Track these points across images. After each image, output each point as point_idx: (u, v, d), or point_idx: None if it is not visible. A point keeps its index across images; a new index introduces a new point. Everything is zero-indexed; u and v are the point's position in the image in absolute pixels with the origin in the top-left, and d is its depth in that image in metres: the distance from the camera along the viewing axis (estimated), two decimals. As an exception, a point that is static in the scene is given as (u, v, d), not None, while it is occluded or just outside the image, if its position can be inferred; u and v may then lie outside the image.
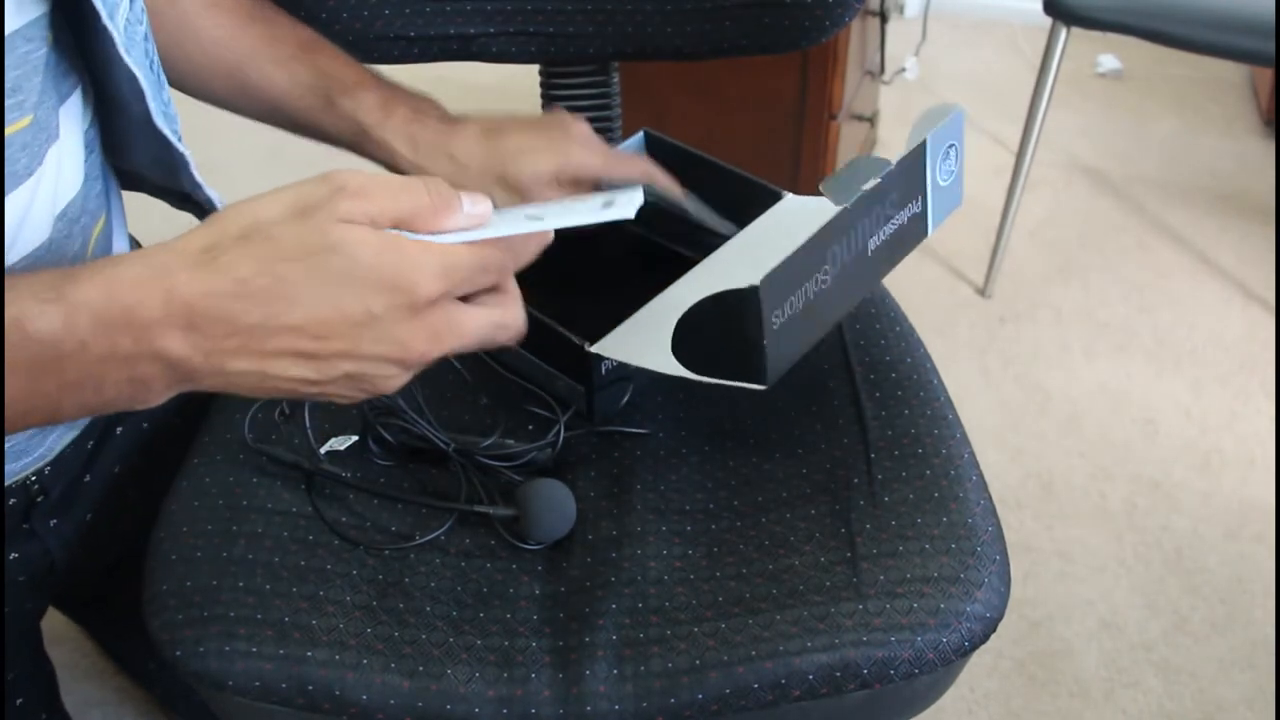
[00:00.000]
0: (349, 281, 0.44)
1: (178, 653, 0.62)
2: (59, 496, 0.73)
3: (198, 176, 0.70)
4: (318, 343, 0.45)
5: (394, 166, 0.75)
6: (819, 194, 0.72)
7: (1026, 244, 1.83)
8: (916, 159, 0.63)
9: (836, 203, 0.59)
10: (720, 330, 0.57)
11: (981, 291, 1.73)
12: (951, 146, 0.65)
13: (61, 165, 0.59)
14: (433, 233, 0.47)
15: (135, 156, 0.67)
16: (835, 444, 0.73)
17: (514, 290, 0.51)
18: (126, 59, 0.58)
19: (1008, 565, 0.67)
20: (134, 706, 1.19)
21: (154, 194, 0.71)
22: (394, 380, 0.48)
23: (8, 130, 0.52)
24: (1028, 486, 1.42)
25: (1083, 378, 1.58)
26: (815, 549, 0.67)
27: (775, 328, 0.56)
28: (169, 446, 0.80)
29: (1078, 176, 1.99)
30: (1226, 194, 1.94)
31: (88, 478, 0.75)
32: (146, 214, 0.80)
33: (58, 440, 0.70)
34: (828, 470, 0.72)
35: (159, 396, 0.46)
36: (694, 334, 0.58)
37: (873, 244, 0.62)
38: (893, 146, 2.05)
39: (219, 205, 0.73)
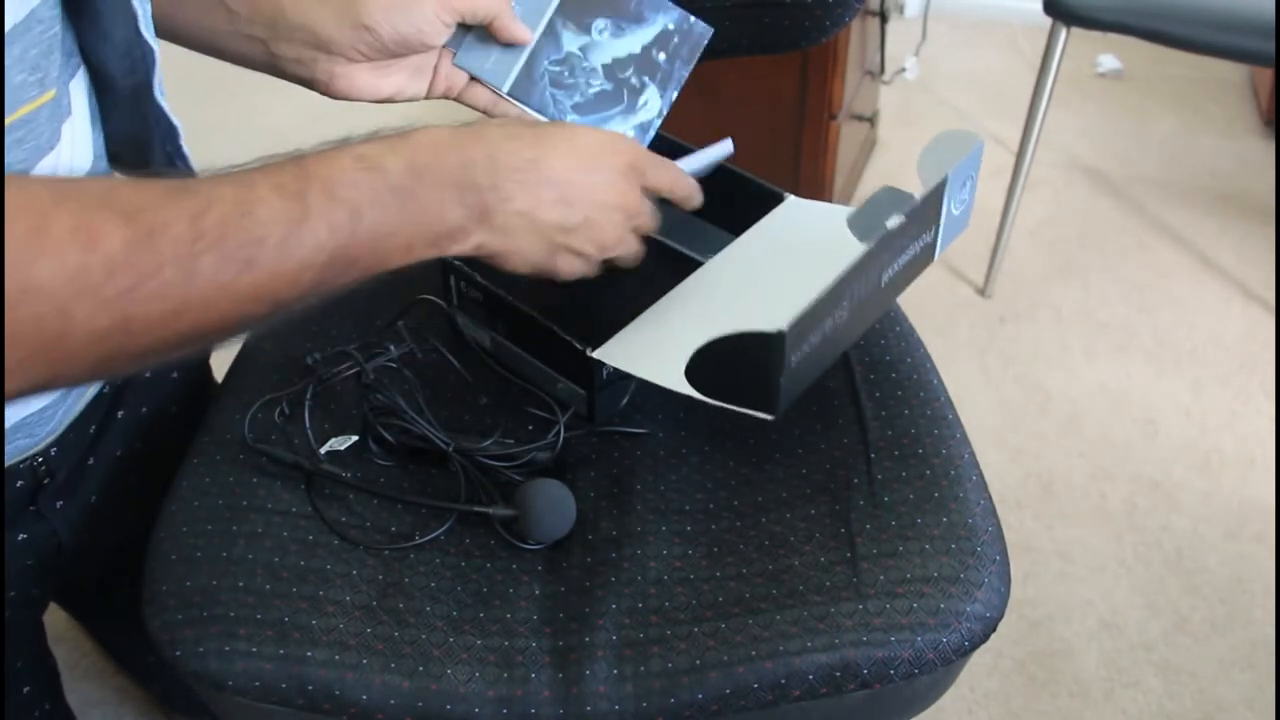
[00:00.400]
0: (585, 147, 0.60)
1: (177, 653, 0.62)
2: (64, 479, 0.73)
3: (185, 149, 0.71)
4: (569, 186, 0.58)
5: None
6: (819, 197, 0.72)
7: (1026, 244, 1.83)
8: (938, 195, 0.62)
9: (862, 240, 0.59)
10: (737, 364, 0.58)
11: (981, 291, 1.73)
12: (969, 178, 0.65)
13: (75, 140, 0.60)
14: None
15: (110, 130, 0.67)
16: (835, 444, 0.73)
17: (650, 209, 0.66)
18: (146, 34, 0.61)
19: (1008, 565, 0.67)
20: (134, 706, 1.19)
21: (121, 171, 0.72)
22: (614, 231, 0.61)
23: (32, 105, 0.54)
24: (1028, 486, 1.42)
25: (1083, 378, 1.58)
26: (815, 549, 0.67)
27: (793, 366, 0.56)
28: (167, 434, 0.81)
29: (1078, 176, 1.99)
30: (1226, 194, 1.94)
31: (91, 460, 0.76)
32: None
33: (65, 416, 0.71)
34: (828, 470, 0.72)
35: (468, 236, 0.56)
36: (708, 362, 0.59)
37: (886, 276, 0.62)
38: (893, 146, 2.05)
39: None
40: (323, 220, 0.50)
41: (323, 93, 0.71)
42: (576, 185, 0.59)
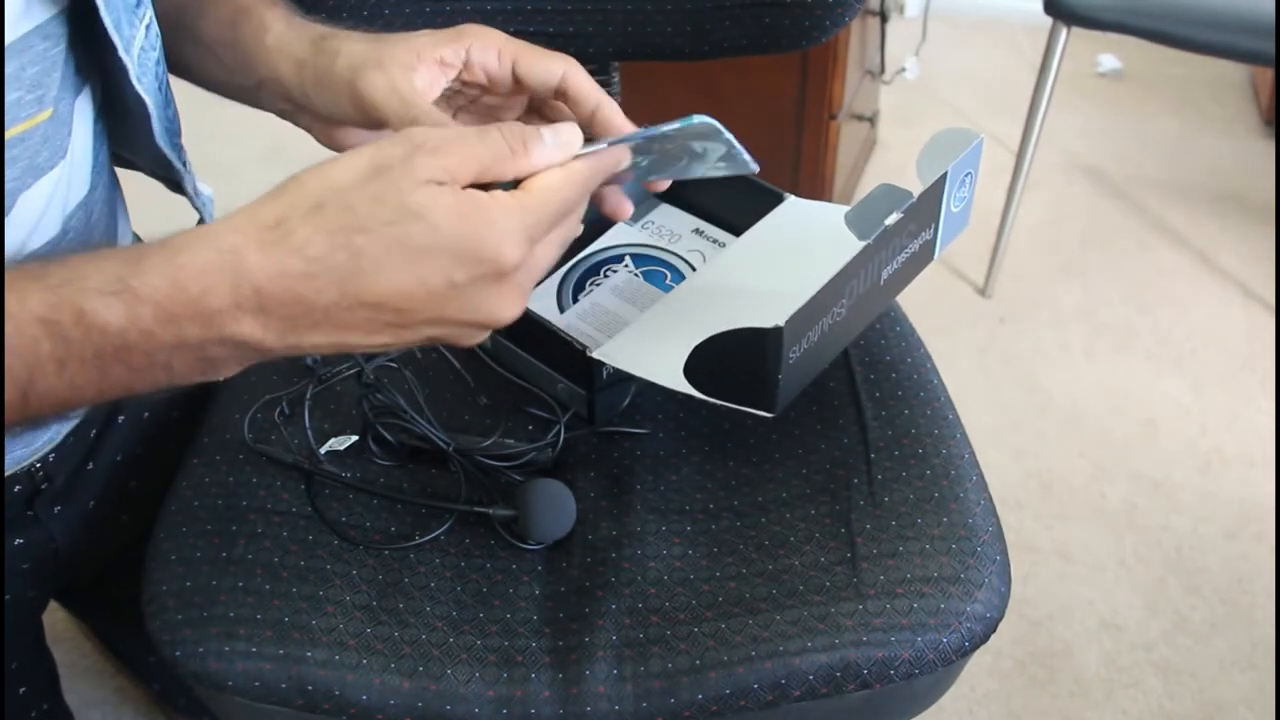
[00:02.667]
0: (430, 252, 0.42)
1: (177, 653, 0.62)
2: (63, 484, 0.73)
3: (198, 185, 0.71)
4: (399, 314, 0.43)
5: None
6: (819, 197, 0.72)
7: (1026, 244, 1.83)
8: (937, 191, 0.62)
9: (860, 237, 0.58)
10: (736, 361, 0.58)
11: (981, 291, 1.73)
12: (968, 175, 0.65)
13: (74, 158, 0.60)
14: (517, 176, 0.47)
15: (138, 153, 0.68)
16: (835, 444, 0.73)
17: (581, 207, 0.50)
18: (138, 86, 0.59)
19: (1008, 565, 0.67)
20: (134, 706, 1.19)
21: (150, 175, 0.72)
22: (479, 337, 0.47)
23: (27, 124, 0.53)
24: (1028, 486, 1.42)
25: (1083, 378, 1.58)
26: (815, 549, 0.67)
27: (791, 362, 0.56)
28: (168, 437, 0.81)
29: (1078, 176, 1.99)
30: (1226, 194, 1.93)
31: (90, 465, 0.76)
32: (147, 211, 0.80)
33: (61, 427, 0.71)
34: (828, 470, 0.72)
35: (232, 370, 0.45)
36: (707, 359, 0.59)
37: (886, 273, 0.62)
38: (893, 146, 2.05)
39: (212, 204, 0.74)
40: None
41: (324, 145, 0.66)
42: (409, 313, 0.44)
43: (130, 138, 0.65)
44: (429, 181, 0.42)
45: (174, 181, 0.71)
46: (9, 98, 0.51)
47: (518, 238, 0.44)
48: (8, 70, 0.51)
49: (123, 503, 0.79)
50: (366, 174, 0.43)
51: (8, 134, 0.52)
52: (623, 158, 0.51)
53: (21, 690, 0.79)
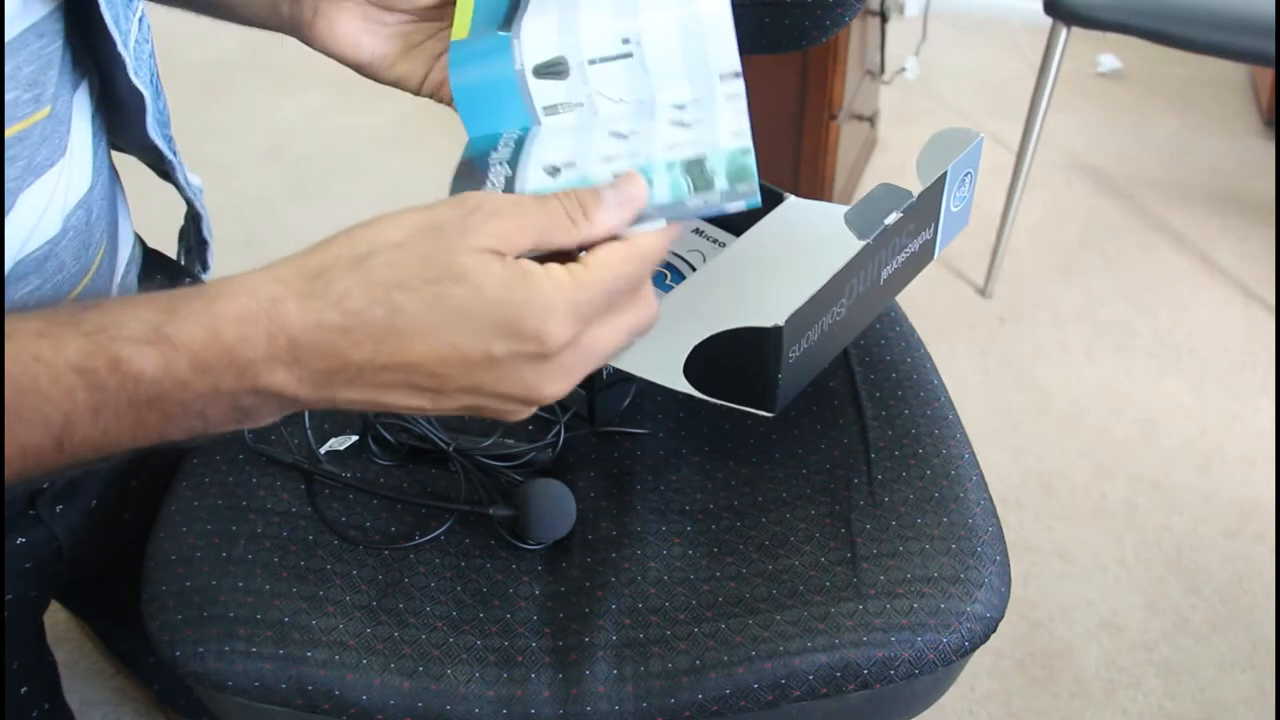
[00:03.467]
0: (470, 318, 0.41)
1: (177, 653, 0.62)
2: (64, 483, 0.73)
3: (188, 175, 0.71)
4: (434, 379, 0.42)
5: None
6: (819, 197, 0.71)
7: (1026, 244, 1.83)
8: (937, 190, 0.62)
9: (860, 237, 0.58)
10: (735, 361, 0.58)
11: (981, 291, 1.73)
12: (968, 174, 0.65)
13: (73, 155, 0.60)
14: (580, 245, 0.44)
15: (129, 144, 0.69)
16: (835, 444, 0.73)
17: (648, 287, 0.46)
18: (135, 80, 0.60)
19: (1008, 565, 0.67)
20: (134, 706, 1.19)
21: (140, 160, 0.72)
22: (522, 413, 0.45)
23: (25, 123, 0.53)
24: (1028, 486, 1.42)
25: (1083, 378, 1.58)
26: (815, 549, 0.67)
27: (791, 361, 0.56)
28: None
29: (1078, 176, 1.99)
30: (1227, 194, 1.93)
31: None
32: (147, 207, 0.80)
33: None
34: (828, 470, 0.72)
35: (267, 420, 0.44)
36: (707, 359, 0.58)
37: (886, 273, 0.62)
38: (893, 146, 2.05)
39: (201, 194, 0.75)
40: (11, 444, 0.40)
41: (302, 37, 0.64)
42: (446, 381, 0.42)
43: (123, 129, 0.66)
44: (482, 249, 0.41)
45: (163, 170, 0.71)
46: (6, 97, 0.51)
47: (565, 315, 0.42)
48: (5, 69, 0.51)
49: (124, 502, 0.79)
50: (418, 232, 0.42)
51: (6, 133, 0.52)
52: (683, 230, 0.48)
53: (23, 690, 0.79)
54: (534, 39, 0.47)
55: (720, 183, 0.51)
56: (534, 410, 0.45)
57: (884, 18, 1.77)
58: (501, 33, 0.47)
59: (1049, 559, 1.33)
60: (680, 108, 0.52)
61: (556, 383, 0.43)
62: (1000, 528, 0.68)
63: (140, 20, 0.61)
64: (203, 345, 0.40)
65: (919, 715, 0.69)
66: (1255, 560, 1.32)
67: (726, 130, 0.52)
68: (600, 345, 0.44)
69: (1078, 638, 1.25)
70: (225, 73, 2.26)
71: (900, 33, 2.31)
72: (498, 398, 0.43)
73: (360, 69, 0.62)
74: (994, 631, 0.64)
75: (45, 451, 0.41)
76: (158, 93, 0.65)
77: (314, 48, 0.61)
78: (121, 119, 0.65)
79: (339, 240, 0.42)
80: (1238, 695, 1.19)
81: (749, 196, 0.52)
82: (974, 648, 0.63)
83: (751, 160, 0.52)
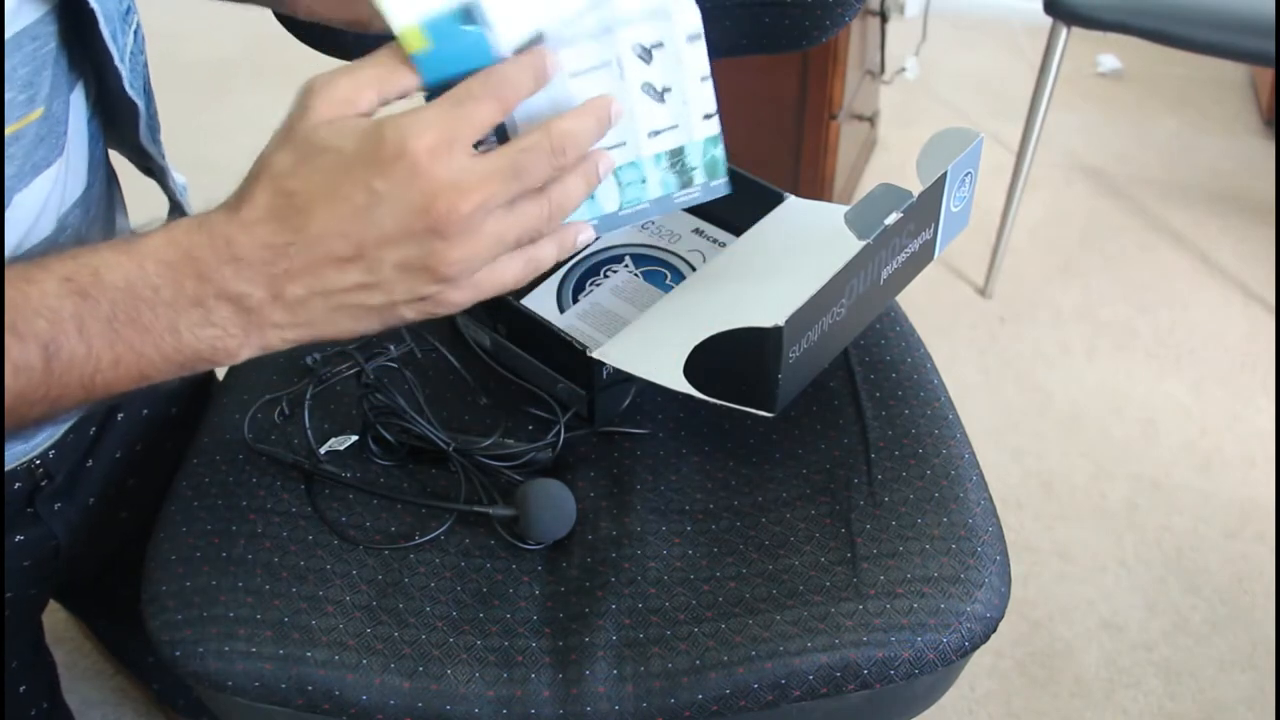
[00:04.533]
0: (345, 171, 0.44)
1: (176, 653, 0.62)
2: (63, 481, 0.73)
3: (174, 175, 0.73)
4: (347, 241, 0.45)
5: None
6: (819, 197, 0.71)
7: (1026, 244, 1.82)
8: (937, 191, 0.62)
9: (860, 237, 0.58)
10: (736, 361, 0.58)
11: (981, 291, 1.73)
12: (968, 174, 0.65)
13: (71, 155, 0.60)
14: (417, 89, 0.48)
15: (121, 147, 0.69)
16: (835, 444, 0.73)
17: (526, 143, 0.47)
18: (130, 91, 0.61)
19: (1008, 565, 0.67)
20: (134, 707, 1.19)
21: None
22: (448, 262, 0.46)
23: (20, 124, 0.54)
24: (1028, 486, 1.42)
25: (1083, 378, 1.58)
26: (815, 549, 0.67)
27: (791, 362, 0.56)
28: (167, 436, 0.81)
29: (1078, 176, 1.99)
30: (1227, 194, 1.93)
31: (90, 463, 0.76)
32: (146, 207, 0.80)
33: (64, 420, 0.71)
34: (828, 470, 0.72)
35: (238, 344, 0.47)
36: (707, 359, 0.59)
37: (886, 273, 0.62)
38: (893, 146, 2.05)
39: (187, 191, 0.76)
40: (5, 358, 0.43)
41: (288, 10, 0.65)
42: (354, 237, 0.45)
43: (116, 134, 0.67)
44: (328, 119, 0.45)
45: (146, 167, 0.73)
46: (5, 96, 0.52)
47: (419, 124, 0.44)
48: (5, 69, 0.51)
49: (122, 500, 0.79)
50: (281, 136, 0.46)
51: (5, 132, 0.52)
52: (550, 64, 0.48)
53: (22, 689, 0.79)
54: (506, 22, 0.47)
55: (699, 177, 0.56)
56: (462, 261, 0.46)
57: (884, 18, 1.77)
58: (468, 28, 0.47)
59: (1049, 559, 1.33)
60: (646, 51, 0.52)
61: (446, 195, 0.44)
62: (1000, 528, 0.68)
63: (135, 32, 0.62)
64: (163, 249, 0.45)
65: (919, 715, 0.69)
66: (1255, 560, 1.32)
67: (698, 111, 0.54)
68: (488, 170, 0.45)
69: (1078, 638, 1.25)
70: (225, 73, 2.26)
71: (900, 33, 2.31)
72: (408, 238, 0.45)
73: (353, 25, 0.63)
74: (994, 631, 0.64)
75: (34, 371, 0.44)
76: (149, 100, 0.67)
77: (297, 16, 0.63)
78: (115, 122, 0.66)
79: (250, 174, 0.47)
80: (1238, 695, 1.19)
81: (722, 189, 0.57)
82: (974, 648, 0.63)
83: (722, 151, 0.56)
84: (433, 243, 0.45)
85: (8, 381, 0.44)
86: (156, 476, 0.75)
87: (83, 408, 0.48)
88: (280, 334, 0.47)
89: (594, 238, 0.53)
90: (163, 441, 0.81)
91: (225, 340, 0.47)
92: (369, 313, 0.47)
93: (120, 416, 0.78)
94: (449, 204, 0.44)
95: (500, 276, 0.48)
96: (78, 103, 0.60)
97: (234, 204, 0.46)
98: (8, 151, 0.53)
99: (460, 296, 0.48)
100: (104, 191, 0.67)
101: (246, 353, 0.48)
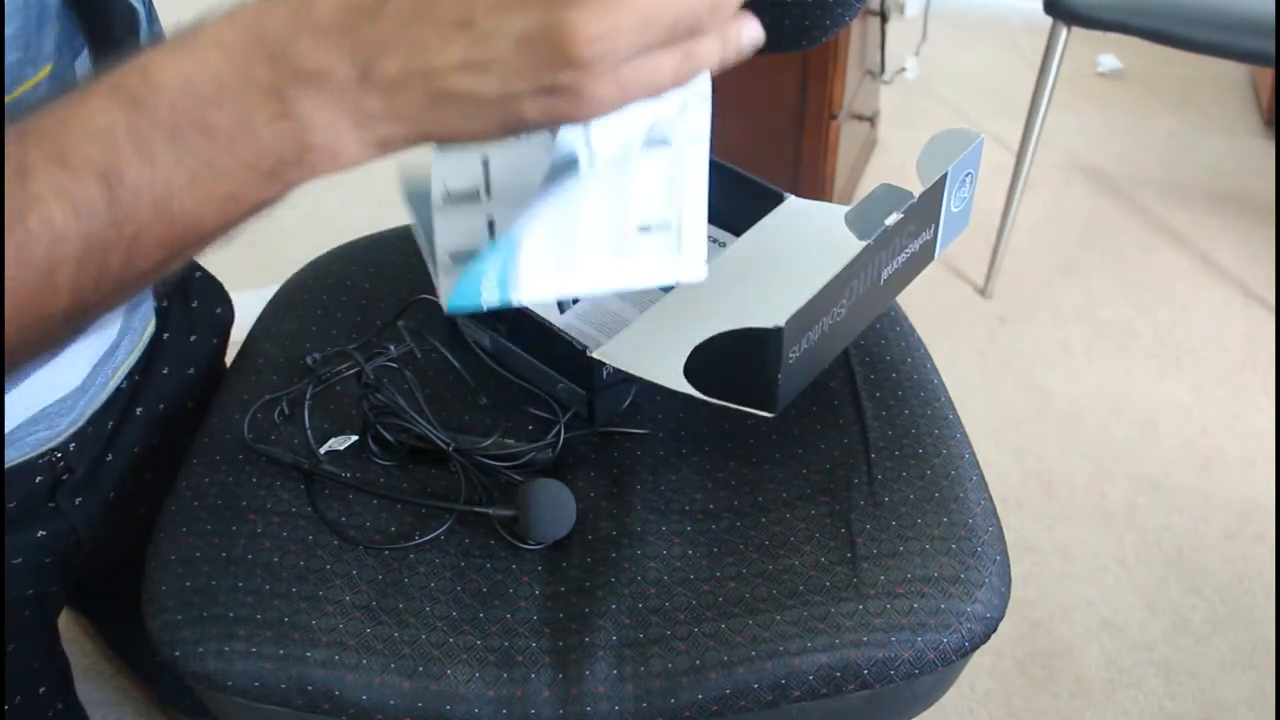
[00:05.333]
0: None
1: (177, 653, 0.62)
2: (83, 475, 0.74)
3: None
4: (456, 4, 0.36)
5: None
6: (819, 197, 0.71)
7: (1026, 244, 1.82)
8: (937, 191, 0.62)
9: (860, 237, 0.58)
10: (736, 361, 0.58)
11: (981, 291, 1.73)
12: (968, 174, 0.65)
13: None
14: None
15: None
16: (835, 444, 0.73)
17: None
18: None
19: (1008, 565, 0.67)
20: (134, 707, 1.19)
21: None
22: (584, 39, 0.35)
23: (27, 85, 0.52)
24: (1028, 486, 1.42)
25: (1083, 378, 1.58)
26: (815, 549, 0.67)
27: (791, 362, 0.56)
28: (183, 430, 0.82)
29: (1078, 176, 1.99)
30: (1227, 194, 1.93)
31: (109, 457, 0.76)
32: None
33: (87, 407, 0.71)
34: (828, 470, 0.72)
35: (329, 141, 0.38)
36: (707, 359, 0.59)
37: (886, 273, 0.62)
38: (893, 146, 2.05)
39: None
40: (57, 200, 0.36)
41: None
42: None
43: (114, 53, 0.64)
44: None
45: None
46: (8, 60, 0.50)
47: None
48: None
49: (141, 495, 0.80)
50: None
51: (7, 98, 0.51)
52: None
53: (41, 689, 0.79)
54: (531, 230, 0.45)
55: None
56: (593, 23, 0.35)
57: (884, 18, 1.77)
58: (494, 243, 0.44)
59: (1049, 559, 1.33)
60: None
61: (596, 16, 0.35)
62: (1000, 528, 0.68)
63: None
64: (225, 31, 0.37)
65: (919, 715, 0.69)
66: (1255, 560, 1.32)
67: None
68: None
69: (1078, 638, 1.25)
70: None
71: (900, 33, 2.31)
72: (531, 47, 0.36)
73: None
74: (994, 631, 0.64)
75: (97, 206, 0.36)
76: (152, 16, 0.63)
77: None
78: (110, 39, 0.60)
79: None
80: (1238, 695, 1.19)
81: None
82: (974, 648, 0.63)
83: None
84: (564, 10, 0.35)
85: (74, 226, 0.36)
86: (173, 471, 0.76)
87: (176, 255, 0.39)
88: (376, 129, 0.38)
89: (763, 38, 0.43)
90: (179, 436, 0.81)
91: (312, 136, 0.38)
92: (482, 106, 0.37)
93: (139, 411, 0.78)
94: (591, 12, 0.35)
95: (651, 73, 0.38)
96: (83, 68, 0.59)
97: None
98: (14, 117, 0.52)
99: (602, 90, 0.37)
100: None
101: (348, 155, 0.39)
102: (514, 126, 0.38)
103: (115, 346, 0.72)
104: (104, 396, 0.73)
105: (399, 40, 0.36)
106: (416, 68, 0.37)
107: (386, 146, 0.39)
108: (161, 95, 0.36)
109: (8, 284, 0.35)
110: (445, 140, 0.39)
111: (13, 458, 0.67)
